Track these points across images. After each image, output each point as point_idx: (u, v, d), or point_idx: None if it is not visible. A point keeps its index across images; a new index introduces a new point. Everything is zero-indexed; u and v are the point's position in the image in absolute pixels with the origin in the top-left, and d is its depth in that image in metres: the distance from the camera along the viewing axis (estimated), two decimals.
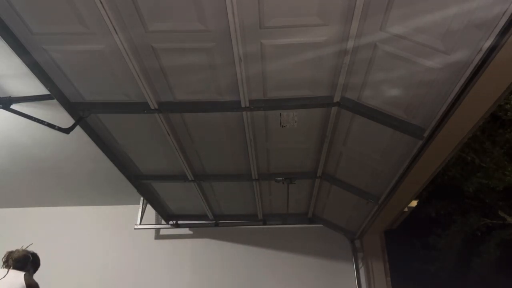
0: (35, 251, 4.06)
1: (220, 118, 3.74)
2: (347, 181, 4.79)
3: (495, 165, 11.44)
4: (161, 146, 4.20)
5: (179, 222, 6.59)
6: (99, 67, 3.08)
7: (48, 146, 5.00)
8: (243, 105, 3.45)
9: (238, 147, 4.24)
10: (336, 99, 3.39)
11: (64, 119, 3.56)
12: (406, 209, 5.81)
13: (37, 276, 6.38)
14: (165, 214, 6.29)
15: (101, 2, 2.44)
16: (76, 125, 3.58)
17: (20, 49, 2.84)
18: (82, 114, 3.58)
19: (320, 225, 6.45)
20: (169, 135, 3.88)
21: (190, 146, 4.24)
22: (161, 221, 6.63)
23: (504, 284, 13.00)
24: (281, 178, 4.83)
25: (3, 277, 3.55)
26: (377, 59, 2.91)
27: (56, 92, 3.32)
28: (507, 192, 12.01)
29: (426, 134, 3.28)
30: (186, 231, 6.76)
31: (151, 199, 5.68)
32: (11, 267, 3.69)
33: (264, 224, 6.50)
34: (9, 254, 3.80)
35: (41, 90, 3.38)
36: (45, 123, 3.60)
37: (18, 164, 5.42)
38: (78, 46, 2.88)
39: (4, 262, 3.76)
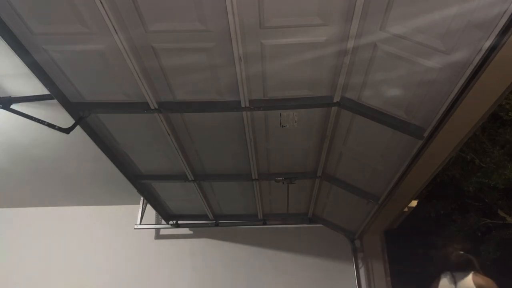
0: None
1: (220, 118, 3.74)
2: (347, 181, 4.79)
3: (495, 165, 11.44)
4: (161, 146, 4.20)
5: (179, 222, 6.59)
6: (99, 67, 3.08)
7: (48, 146, 5.00)
8: (243, 105, 3.45)
9: (238, 147, 4.24)
10: (336, 99, 3.39)
11: (64, 119, 3.56)
12: (406, 209, 5.82)
13: (36, 276, 6.40)
14: (165, 214, 6.29)
15: (101, 2, 2.44)
16: (76, 125, 3.58)
17: (20, 49, 2.84)
18: (82, 114, 3.58)
19: (320, 225, 6.45)
20: (169, 135, 3.88)
21: (190, 146, 4.24)
22: (161, 221, 6.64)
23: (504, 284, 13.00)
24: (281, 178, 4.83)
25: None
26: (377, 59, 2.91)
27: (56, 92, 3.32)
28: (507, 192, 12.00)
29: (426, 134, 3.28)
30: (186, 231, 6.76)
31: (151, 199, 5.68)
32: None
33: (264, 224, 6.51)
34: None
35: (41, 90, 3.38)
36: (45, 123, 3.60)
37: (18, 164, 5.42)
38: (78, 46, 2.88)
39: None
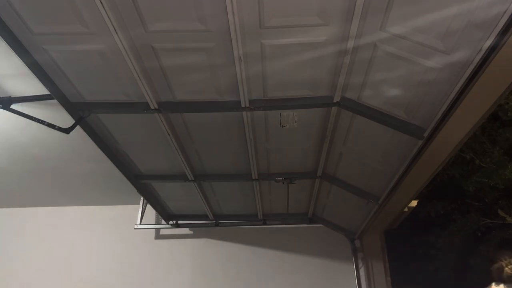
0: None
1: (220, 118, 3.74)
2: (347, 181, 4.79)
3: (495, 165, 11.43)
4: (161, 146, 4.20)
5: (179, 222, 6.59)
6: (99, 67, 3.08)
7: (48, 146, 5.00)
8: (243, 105, 3.45)
9: (238, 147, 4.24)
10: (336, 99, 3.39)
11: (64, 119, 3.56)
12: (406, 209, 5.82)
13: (36, 276, 6.41)
14: (165, 214, 6.29)
15: (101, 2, 2.45)
16: (76, 125, 3.58)
17: (20, 49, 2.84)
18: (82, 114, 3.58)
19: (320, 225, 6.45)
20: (169, 135, 3.88)
21: (190, 146, 4.24)
22: (161, 221, 6.64)
23: None
24: (281, 178, 4.83)
25: None
26: (377, 59, 2.91)
27: (56, 92, 3.32)
28: (507, 192, 12.00)
29: (426, 134, 3.28)
30: (186, 231, 6.76)
31: (151, 199, 5.68)
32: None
33: (264, 224, 6.51)
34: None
35: (41, 90, 3.38)
36: (45, 123, 3.61)
37: (18, 164, 5.42)
38: (78, 46, 2.88)
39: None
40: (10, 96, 3.72)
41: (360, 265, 6.39)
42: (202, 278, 6.45)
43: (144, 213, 6.54)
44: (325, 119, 3.71)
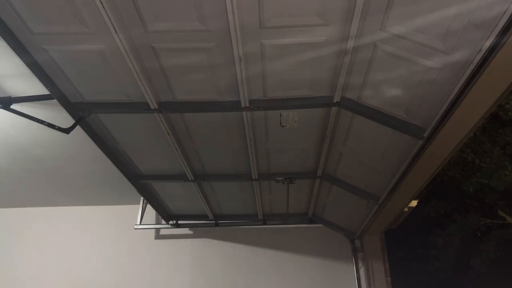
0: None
1: (220, 118, 3.74)
2: (347, 181, 4.79)
3: (495, 165, 11.43)
4: (161, 146, 4.20)
5: (179, 222, 6.59)
6: (99, 67, 3.08)
7: (48, 146, 5.00)
8: (243, 105, 3.45)
9: (238, 147, 4.24)
10: (336, 99, 3.39)
11: (64, 119, 3.56)
12: (406, 209, 5.81)
13: (36, 276, 6.41)
14: (165, 214, 6.29)
15: (101, 2, 2.45)
16: (76, 125, 3.58)
17: (20, 49, 2.84)
18: (82, 114, 3.58)
19: (320, 225, 6.45)
20: (169, 135, 3.88)
21: (190, 146, 4.24)
22: (161, 221, 6.64)
23: (503, 284, 13.01)
24: (281, 178, 4.83)
25: None
26: (377, 59, 2.92)
27: (56, 92, 3.33)
28: (507, 192, 12.00)
29: (426, 134, 3.28)
30: (186, 231, 6.76)
31: (151, 199, 5.68)
32: None
33: (264, 224, 6.51)
34: None
35: (41, 90, 3.39)
36: (45, 123, 3.61)
37: (18, 164, 5.42)
38: (78, 46, 2.88)
39: None
40: (10, 96, 3.72)
41: (360, 265, 6.38)
42: (202, 278, 6.45)
43: (144, 213, 6.55)
44: (325, 119, 3.71)
